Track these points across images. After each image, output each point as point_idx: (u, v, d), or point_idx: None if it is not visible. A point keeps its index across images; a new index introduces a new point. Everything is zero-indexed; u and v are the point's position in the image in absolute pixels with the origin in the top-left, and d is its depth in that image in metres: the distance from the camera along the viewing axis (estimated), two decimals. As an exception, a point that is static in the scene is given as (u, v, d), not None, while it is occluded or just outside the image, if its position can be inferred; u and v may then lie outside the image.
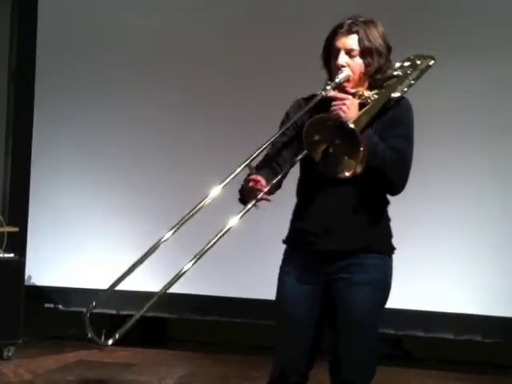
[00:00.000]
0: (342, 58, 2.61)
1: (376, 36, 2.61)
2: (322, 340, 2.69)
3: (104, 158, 5.75)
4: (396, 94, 2.64)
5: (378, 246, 2.63)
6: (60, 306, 5.74)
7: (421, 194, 4.94)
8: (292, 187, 2.75)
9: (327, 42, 2.68)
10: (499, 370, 5.00)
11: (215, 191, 2.50)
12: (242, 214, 2.49)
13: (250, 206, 2.50)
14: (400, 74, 2.74)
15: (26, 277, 5.54)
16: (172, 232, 2.45)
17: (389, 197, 2.68)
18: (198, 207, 2.47)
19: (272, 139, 2.61)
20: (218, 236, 2.46)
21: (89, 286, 5.27)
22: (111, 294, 2.42)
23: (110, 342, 2.37)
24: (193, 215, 2.46)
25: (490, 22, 5.09)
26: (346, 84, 2.61)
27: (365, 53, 2.60)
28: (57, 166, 5.84)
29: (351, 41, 2.60)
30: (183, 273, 2.43)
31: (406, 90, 2.67)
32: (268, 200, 2.54)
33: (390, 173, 2.55)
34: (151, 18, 5.73)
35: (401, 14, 5.11)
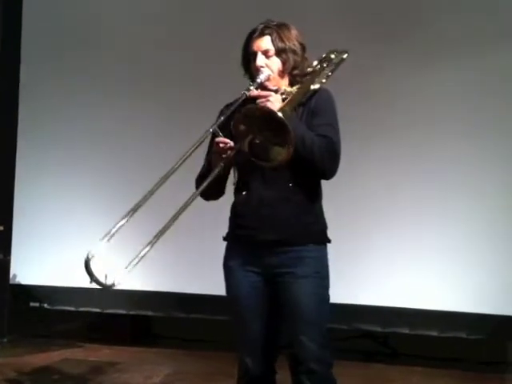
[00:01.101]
0: (260, 59, 2.73)
1: (288, 36, 2.76)
2: (278, 331, 2.76)
3: (90, 158, 5.72)
4: (316, 86, 2.77)
5: (314, 237, 2.73)
6: (45, 305, 5.73)
7: (416, 194, 4.98)
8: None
9: (244, 49, 2.81)
10: (483, 366, 5.03)
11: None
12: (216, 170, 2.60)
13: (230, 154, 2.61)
14: (317, 69, 2.87)
15: (11, 275, 5.55)
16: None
17: (324, 182, 2.76)
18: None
19: (197, 144, 2.64)
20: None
21: (74, 285, 5.26)
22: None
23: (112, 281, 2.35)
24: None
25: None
26: (267, 83, 2.74)
27: (280, 51, 2.74)
28: (42, 165, 5.81)
29: (265, 42, 2.74)
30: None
31: (324, 80, 2.80)
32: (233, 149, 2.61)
33: (320, 160, 2.63)
34: (140, 10, 5.72)
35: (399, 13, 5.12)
